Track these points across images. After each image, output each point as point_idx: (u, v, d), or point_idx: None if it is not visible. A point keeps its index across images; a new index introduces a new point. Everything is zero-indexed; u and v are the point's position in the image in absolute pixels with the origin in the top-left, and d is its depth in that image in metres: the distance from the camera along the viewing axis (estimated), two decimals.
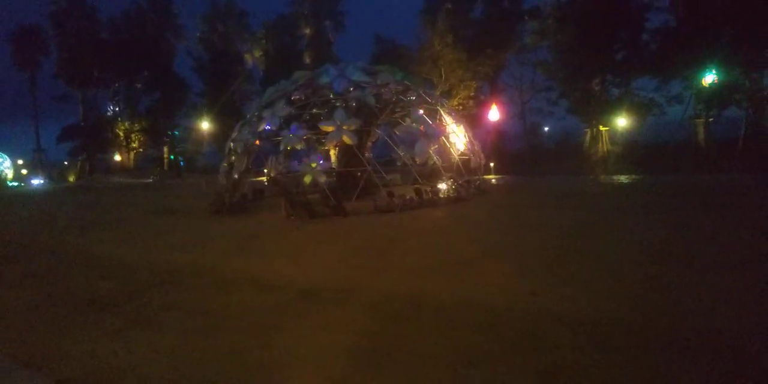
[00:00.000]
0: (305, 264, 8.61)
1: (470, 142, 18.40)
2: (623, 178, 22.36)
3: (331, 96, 16.70)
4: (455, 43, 31.32)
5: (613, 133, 28.85)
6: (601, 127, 30.89)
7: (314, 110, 20.00)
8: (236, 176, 17.06)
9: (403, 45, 35.43)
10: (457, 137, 19.12)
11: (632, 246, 8.65)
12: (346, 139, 14.74)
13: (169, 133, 45.15)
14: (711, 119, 29.64)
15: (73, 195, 30.28)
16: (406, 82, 18.33)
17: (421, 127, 16.18)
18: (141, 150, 48.00)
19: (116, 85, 47.40)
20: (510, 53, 31.92)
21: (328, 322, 5.72)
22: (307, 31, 50.15)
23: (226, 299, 6.84)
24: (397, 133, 17.71)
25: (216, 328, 5.79)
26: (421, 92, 18.64)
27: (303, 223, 13.31)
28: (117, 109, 48.81)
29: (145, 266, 9.08)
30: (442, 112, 19.12)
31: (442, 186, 16.50)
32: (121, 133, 46.27)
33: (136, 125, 46.47)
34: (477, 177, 18.12)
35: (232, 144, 17.66)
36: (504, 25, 32.67)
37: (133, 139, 46.59)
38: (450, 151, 17.50)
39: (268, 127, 16.68)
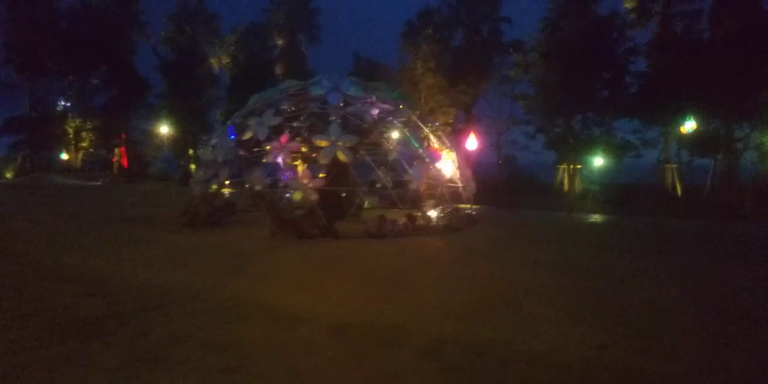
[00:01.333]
0: (316, 293, 7.63)
1: (462, 169, 17.87)
2: (598, 217, 22.41)
3: (326, 109, 15.86)
4: (437, 68, 31.27)
5: (588, 172, 29.30)
6: (576, 165, 31.36)
7: (295, 123, 19.02)
8: (214, 187, 15.76)
9: (383, 64, 35.11)
10: (445, 164, 18.55)
11: (680, 294, 8.18)
12: (341, 155, 13.88)
13: (124, 134, 42.56)
14: (675, 165, 30.68)
15: (17, 194, 27.68)
16: (399, 102, 17.75)
17: (420, 151, 15.56)
18: (91, 150, 44.99)
19: (70, 78, 44.50)
20: (491, 83, 32.13)
21: (381, 369, 4.81)
22: (280, 42, 49.18)
23: (241, 331, 5.81)
24: (394, 154, 16.98)
25: (241, 369, 4.77)
26: (411, 114, 18.07)
27: (288, 243, 12.26)
28: (68, 104, 45.76)
29: (130, 283, 7.84)
30: (432, 136, 18.59)
31: (433, 213, 15.82)
32: (71, 131, 43.23)
33: (87, 123, 43.55)
34: (468, 207, 17.53)
35: (211, 151, 16.39)
36: (484, 55, 32.98)
37: (84, 137, 43.62)
38: (440, 177, 16.91)
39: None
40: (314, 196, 13.26)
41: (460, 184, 17.76)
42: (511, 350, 5.40)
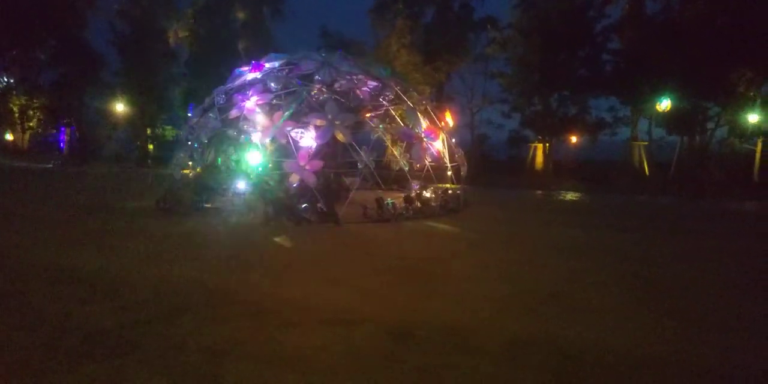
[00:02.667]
0: (352, 289, 6.92)
1: (451, 148, 17.26)
2: (581, 195, 22.44)
3: (320, 86, 14.83)
4: (412, 44, 30.33)
5: (563, 150, 29.36)
6: (548, 143, 31.35)
7: (274, 101, 17.86)
8: (198, 170, 14.61)
9: (356, 41, 33.79)
10: (432, 143, 17.90)
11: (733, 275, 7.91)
12: (340, 135, 13.03)
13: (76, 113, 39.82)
14: (644, 143, 31.14)
15: None
16: (391, 79, 16.92)
17: (418, 130, 14.85)
18: (39, 130, 41.90)
19: (13, 52, 41.04)
20: (466, 61, 31.46)
21: (483, 381, 4.21)
22: (242, 15, 46.81)
23: (294, 340, 5.06)
24: (392, 134, 16.22)
25: None
26: (399, 91, 17.25)
27: (288, 230, 11.44)
28: (12, 80, 42.31)
29: (138, 284, 6.90)
30: (420, 115, 17.85)
31: (427, 195, 15.22)
32: (16, 109, 40.06)
33: (35, 101, 40.44)
34: (459, 187, 16.98)
35: (192, 130, 15.15)
36: (457, 32, 32.19)
37: (30, 116, 40.52)
38: (441, 155, 16.26)
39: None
40: (313, 179, 12.39)
41: (449, 165, 17.23)
42: (602, 350, 4.88)
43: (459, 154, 17.09)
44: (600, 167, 32.04)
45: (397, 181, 20.30)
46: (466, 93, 32.72)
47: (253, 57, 47.02)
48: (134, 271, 7.55)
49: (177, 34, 44.88)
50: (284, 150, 16.80)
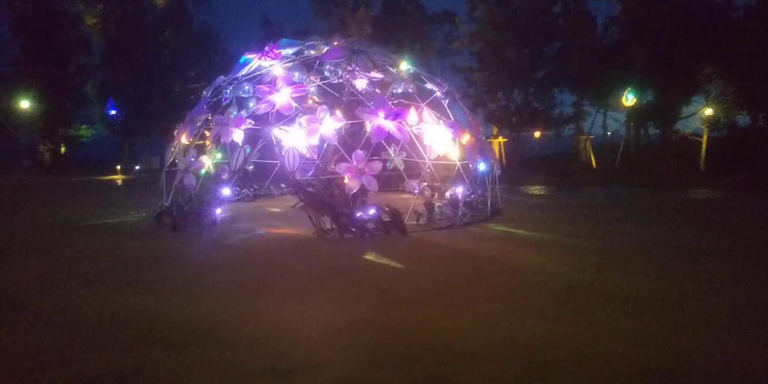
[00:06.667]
0: (556, 321, 5.63)
1: (477, 145, 15.72)
2: (559, 190, 22.40)
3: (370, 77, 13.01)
4: (373, 37, 28.86)
5: (522, 145, 29.50)
6: (503, 139, 31.46)
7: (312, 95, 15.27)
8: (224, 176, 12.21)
9: (303, 31, 31.59)
10: (436, 139, 16.55)
11: None
12: (396, 133, 11.40)
13: None
14: (592, 136, 32.31)
15: None
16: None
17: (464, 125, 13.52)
18: None
19: None
20: (427, 56, 30.56)
21: None
22: (160, 0, 42.40)
23: None
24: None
25: None
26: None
27: (357, 245, 9.81)
28: None
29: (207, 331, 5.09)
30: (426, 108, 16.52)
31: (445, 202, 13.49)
32: None
33: None
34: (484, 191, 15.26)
35: (191, 128, 12.70)
36: (410, 25, 31.29)
37: None
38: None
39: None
40: (375, 185, 10.74)
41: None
42: None
43: (491, 151, 15.72)
44: (552, 161, 32.85)
45: (388, 182, 18.87)
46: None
47: (175, 49, 42.90)
48: (188, 310, 5.66)
49: (83, 20, 39.62)
50: (268, 152, 14.87)
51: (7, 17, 33.71)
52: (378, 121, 11.17)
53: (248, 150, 12.65)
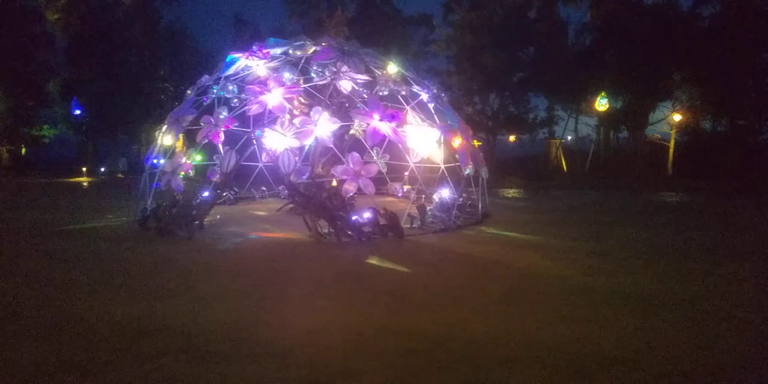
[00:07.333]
0: (603, 327, 5.68)
1: (467, 147, 15.65)
2: (515, 193, 22.76)
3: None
4: (350, 38, 28.73)
5: (499, 148, 29.80)
6: (476, 142, 31.71)
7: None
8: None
9: (277, 31, 31.18)
10: (420, 141, 16.47)
11: None
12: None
13: None
14: (562, 140, 32.99)
15: None
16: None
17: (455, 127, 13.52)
18: None
19: None
20: (405, 58, 30.52)
21: None
22: None
23: None
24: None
25: None
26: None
27: (350, 246, 9.70)
28: None
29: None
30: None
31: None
32: None
33: None
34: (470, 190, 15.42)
35: (173, 127, 12.31)
36: (387, 27, 31.29)
37: None
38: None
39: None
40: (372, 188, 10.63)
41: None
42: None
43: (479, 155, 15.64)
44: (524, 164, 33.34)
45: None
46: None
47: (144, 47, 41.64)
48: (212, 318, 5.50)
49: (45, 16, 38.08)
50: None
51: None
52: (374, 124, 11.08)
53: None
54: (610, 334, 5.32)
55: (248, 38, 34.82)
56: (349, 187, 10.52)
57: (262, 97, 11.33)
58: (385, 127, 11.18)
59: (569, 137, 33.12)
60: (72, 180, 29.77)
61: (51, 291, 6.90)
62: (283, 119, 14.22)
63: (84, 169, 31.70)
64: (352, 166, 10.66)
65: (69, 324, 5.62)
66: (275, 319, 5.83)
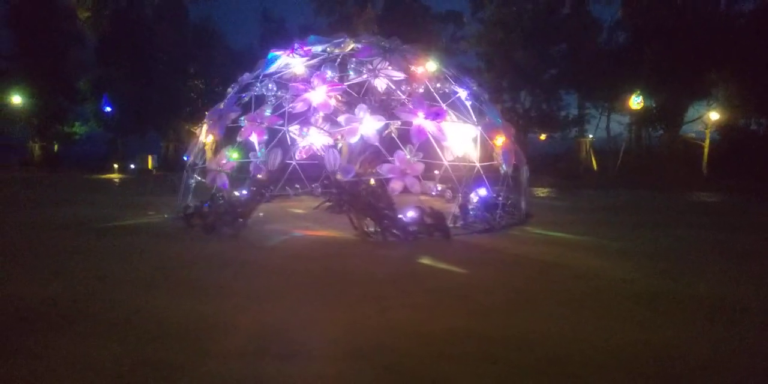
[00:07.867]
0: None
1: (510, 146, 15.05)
2: (549, 192, 22.35)
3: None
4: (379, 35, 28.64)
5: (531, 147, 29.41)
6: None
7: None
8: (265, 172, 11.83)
9: (305, 29, 31.24)
10: (456, 139, 16.12)
11: None
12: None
13: None
14: (592, 138, 32.44)
15: None
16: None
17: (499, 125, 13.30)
18: None
19: None
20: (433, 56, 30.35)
21: None
22: None
23: None
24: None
25: None
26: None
27: (398, 246, 9.59)
28: None
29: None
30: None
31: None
32: None
33: None
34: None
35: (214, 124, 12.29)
36: (418, 24, 31.11)
37: None
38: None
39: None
40: (418, 187, 10.51)
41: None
42: None
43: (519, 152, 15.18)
44: (555, 163, 32.89)
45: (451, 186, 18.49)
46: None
47: (173, 44, 41.93)
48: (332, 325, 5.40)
49: (76, 14, 38.65)
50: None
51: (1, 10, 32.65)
52: (418, 122, 10.95)
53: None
54: (697, 342, 5.12)
55: (276, 36, 35.02)
56: (396, 186, 10.41)
57: (306, 95, 11.26)
58: (430, 125, 11.04)
59: (592, 136, 32.49)
60: (103, 176, 30.19)
61: (111, 288, 6.90)
62: (317, 117, 14.27)
63: (116, 165, 32.15)
64: (398, 164, 10.53)
65: (138, 322, 5.60)
66: (341, 318, 5.74)
